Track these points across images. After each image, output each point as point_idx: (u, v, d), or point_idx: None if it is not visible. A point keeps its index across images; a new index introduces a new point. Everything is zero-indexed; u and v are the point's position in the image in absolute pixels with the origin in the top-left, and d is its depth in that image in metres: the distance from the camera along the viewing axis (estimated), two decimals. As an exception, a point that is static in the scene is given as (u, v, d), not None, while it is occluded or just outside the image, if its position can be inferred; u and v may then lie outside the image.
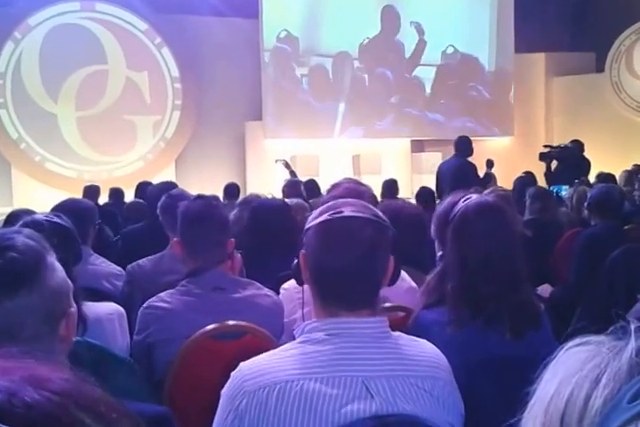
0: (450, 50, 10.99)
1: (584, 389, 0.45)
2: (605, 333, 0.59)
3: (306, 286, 1.32)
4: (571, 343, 0.55)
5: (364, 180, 9.75)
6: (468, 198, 1.73)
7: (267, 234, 2.80)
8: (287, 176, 8.01)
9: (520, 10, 11.14)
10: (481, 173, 6.94)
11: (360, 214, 1.24)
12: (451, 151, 10.65)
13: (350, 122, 10.42)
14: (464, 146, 6.50)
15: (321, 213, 1.27)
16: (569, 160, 6.96)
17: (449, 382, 1.27)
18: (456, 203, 1.73)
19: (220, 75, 9.86)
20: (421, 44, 10.82)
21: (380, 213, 1.30)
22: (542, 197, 4.27)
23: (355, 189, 2.32)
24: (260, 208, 2.99)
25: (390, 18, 10.67)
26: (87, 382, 0.52)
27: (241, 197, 6.74)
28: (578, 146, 7.26)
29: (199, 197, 2.25)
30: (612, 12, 10.81)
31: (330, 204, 1.30)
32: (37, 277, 1.02)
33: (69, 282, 1.09)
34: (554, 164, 7.20)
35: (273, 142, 10.16)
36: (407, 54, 10.79)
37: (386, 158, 10.41)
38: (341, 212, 1.24)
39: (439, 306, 1.68)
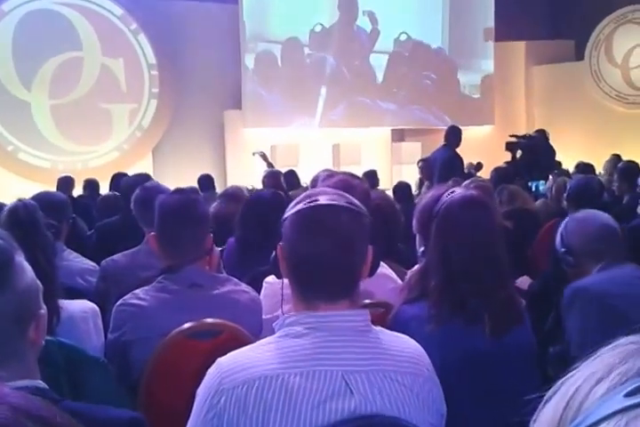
0: (403, 37, 10.92)
1: (595, 377, 0.46)
2: None
3: (286, 281, 1.30)
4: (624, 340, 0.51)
5: (344, 170, 9.74)
6: (451, 192, 1.70)
7: (262, 226, 2.74)
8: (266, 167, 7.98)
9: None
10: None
11: (335, 202, 1.22)
12: (431, 141, 10.76)
13: (301, 112, 10.28)
14: (454, 137, 6.37)
15: (297, 203, 1.25)
16: (535, 149, 6.96)
17: (429, 379, 1.25)
18: (439, 197, 1.71)
19: (198, 62, 9.72)
20: (374, 34, 10.72)
21: (357, 202, 1.27)
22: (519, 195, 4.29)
23: (348, 182, 2.28)
24: (255, 200, 2.94)
25: (348, 5, 10.58)
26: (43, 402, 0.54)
27: (219, 188, 6.72)
28: (542, 135, 7.28)
29: (177, 190, 2.19)
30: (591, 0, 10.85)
31: (306, 193, 1.29)
32: (6, 278, 0.99)
33: (38, 283, 1.05)
34: (519, 154, 7.17)
35: (252, 132, 10.06)
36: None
37: (366, 148, 10.38)
38: (316, 200, 1.23)
39: (420, 301, 1.66)
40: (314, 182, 2.48)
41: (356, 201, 1.27)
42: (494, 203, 1.85)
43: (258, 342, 1.25)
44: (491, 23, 11.47)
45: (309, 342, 1.18)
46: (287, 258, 1.24)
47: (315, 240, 1.20)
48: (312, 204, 1.22)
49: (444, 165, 6.10)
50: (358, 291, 1.26)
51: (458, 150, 6.34)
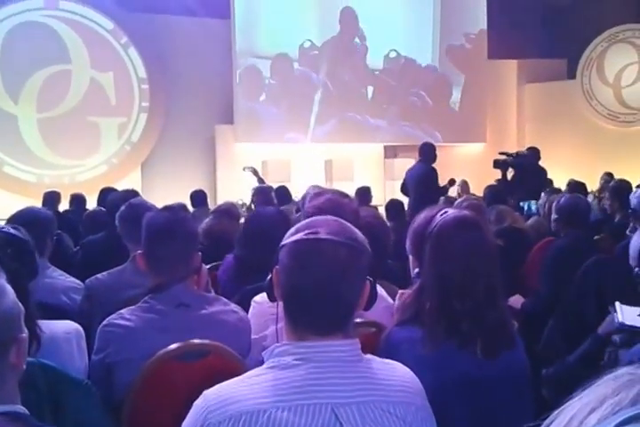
0: (392, 54, 10.96)
1: (588, 407, 0.48)
2: None
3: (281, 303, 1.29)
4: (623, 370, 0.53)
5: (337, 186, 9.70)
6: (444, 213, 1.68)
7: (264, 244, 2.67)
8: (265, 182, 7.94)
9: (493, 17, 11.22)
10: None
11: (335, 238, 1.21)
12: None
13: (293, 127, 10.28)
14: (428, 152, 6.60)
15: (297, 231, 1.25)
16: (525, 169, 6.79)
17: (422, 407, 1.23)
18: (432, 218, 1.69)
19: (189, 76, 9.70)
20: (362, 50, 10.77)
21: (359, 236, 1.26)
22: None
23: (337, 202, 2.26)
24: (256, 217, 2.91)
25: (348, 20, 10.64)
26: None
27: (210, 203, 6.67)
28: (534, 154, 7.07)
29: (165, 208, 2.16)
30: (583, 19, 10.93)
31: (308, 221, 1.28)
32: None
33: (20, 305, 1.04)
34: (510, 172, 7.01)
35: (244, 147, 10.02)
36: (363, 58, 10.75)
37: (358, 164, 10.36)
38: (317, 232, 1.22)
39: (412, 323, 1.64)
40: (303, 200, 2.44)
41: (357, 235, 1.26)
42: (486, 222, 1.82)
43: (245, 374, 1.22)
44: (483, 41, 11.55)
45: (298, 374, 1.16)
46: (281, 285, 1.24)
47: (308, 273, 1.20)
48: (311, 236, 1.22)
49: (421, 180, 6.29)
50: (352, 324, 1.24)
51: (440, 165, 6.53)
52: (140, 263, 2.04)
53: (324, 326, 1.20)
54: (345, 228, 1.26)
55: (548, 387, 2.34)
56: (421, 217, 1.73)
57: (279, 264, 1.25)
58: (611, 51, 11.15)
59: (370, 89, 10.82)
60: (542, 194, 7.11)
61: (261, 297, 2.11)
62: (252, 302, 2.11)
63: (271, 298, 1.32)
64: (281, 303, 1.26)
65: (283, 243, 1.25)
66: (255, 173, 7.39)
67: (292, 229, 1.27)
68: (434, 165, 6.60)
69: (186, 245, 2.00)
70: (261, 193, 5.98)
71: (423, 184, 6.20)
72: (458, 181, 9.16)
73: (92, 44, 9.31)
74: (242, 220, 3.28)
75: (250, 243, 2.76)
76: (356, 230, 1.27)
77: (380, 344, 1.64)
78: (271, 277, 1.28)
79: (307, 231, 1.23)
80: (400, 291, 1.88)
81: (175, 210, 2.15)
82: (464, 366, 1.58)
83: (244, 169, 7.63)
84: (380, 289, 2.18)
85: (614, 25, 11.09)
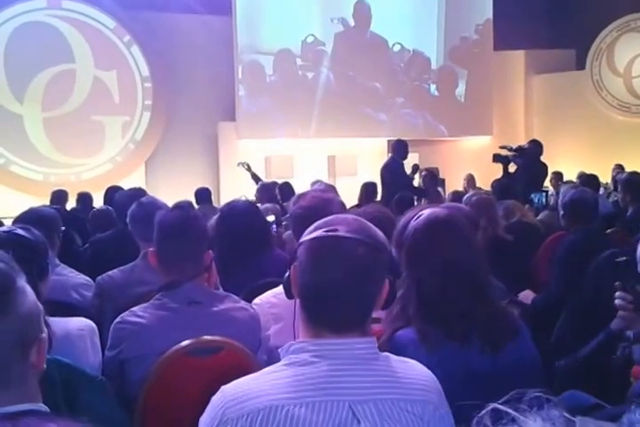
0: (397, 47, 10.88)
1: None
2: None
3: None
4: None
5: (340, 182, 9.66)
6: (418, 217, 1.66)
7: (236, 238, 2.77)
8: (266, 177, 7.88)
9: (499, 7, 11.11)
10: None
11: (354, 235, 1.21)
12: (428, 152, 10.71)
13: (295, 123, 10.20)
14: (399, 148, 7.08)
15: (316, 229, 1.25)
16: (527, 164, 6.54)
17: (440, 405, 1.23)
18: (409, 223, 1.67)
19: (191, 74, 9.67)
20: (382, 43, 10.68)
21: (378, 234, 1.26)
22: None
23: (321, 198, 2.30)
24: (227, 212, 2.94)
25: (362, 13, 10.57)
26: None
27: (213, 200, 6.65)
28: (535, 147, 6.66)
29: (176, 206, 2.18)
30: (592, 8, 10.79)
31: (327, 219, 1.28)
32: (8, 302, 0.99)
33: (40, 305, 1.05)
34: (513, 166, 6.77)
35: (247, 143, 9.99)
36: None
37: (362, 159, 10.32)
38: (336, 230, 1.22)
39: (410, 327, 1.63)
40: (297, 200, 2.45)
41: (377, 233, 1.25)
42: (464, 219, 1.75)
43: (263, 371, 1.22)
44: (489, 32, 11.45)
45: (315, 371, 1.16)
46: (299, 283, 1.24)
47: (326, 271, 1.19)
48: (331, 233, 1.21)
49: (392, 172, 6.84)
50: (369, 323, 1.24)
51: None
52: (152, 261, 2.06)
53: (341, 324, 1.20)
54: (364, 226, 1.25)
55: (563, 380, 2.31)
56: (400, 223, 1.72)
57: (297, 261, 1.24)
58: (621, 40, 10.98)
59: (375, 83, 10.75)
60: (549, 185, 7.02)
61: (260, 299, 2.16)
62: (253, 304, 2.13)
63: (289, 295, 1.31)
64: (298, 301, 1.26)
65: (301, 240, 1.25)
66: (249, 168, 7.29)
67: (311, 227, 1.27)
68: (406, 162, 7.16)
69: (197, 244, 2.02)
70: (265, 189, 5.93)
71: (393, 177, 6.70)
72: (464, 175, 9.12)
73: (95, 42, 9.30)
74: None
75: (228, 241, 2.78)
76: (377, 229, 1.26)
77: (384, 348, 1.61)
78: (289, 275, 1.28)
79: (326, 229, 1.22)
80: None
81: (186, 209, 2.16)
82: (471, 363, 1.56)
83: (238, 164, 7.52)
84: None
85: (624, 14, 10.93)
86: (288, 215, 2.74)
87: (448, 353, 1.55)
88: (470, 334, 1.58)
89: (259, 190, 5.96)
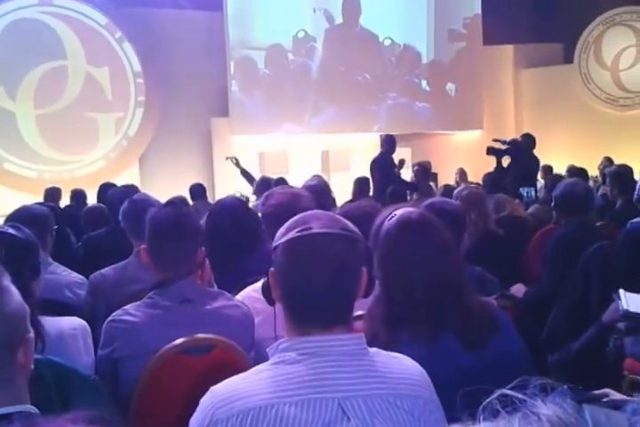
0: (387, 42, 10.90)
1: None
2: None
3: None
4: None
5: (334, 177, 9.66)
6: (391, 218, 1.64)
7: (223, 235, 2.74)
8: (260, 173, 7.86)
9: (488, 2, 11.13)
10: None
11: (329, 230, 1.20)
12: (420, 146, 10.75)
13: (289, 118, 10.22)
14: (388, 144, 7.27)
15: (288, 230, 1.22)
16: (518, 156, 6.68)
17: (430, 400, 1.22)
18: (382, 223, 1.66)
19: (184, 69, 9.65)
20: (372, 38, 10.69)
21: (350, 225, 1.24)
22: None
23: (290, 194, 2.28)
24: (214, 210, 2.91)
25: (351, 7, 10.57)
26: None
27: (208, 196, 6.65)
28: (528, 140, 6.80)
29: (169, 203, 2.16)
30: (579, 2, 10.85)
31: (298, 218, 1.26)
32: None
33: (26, 306, 1.04)
34: (506, 159, 6.89)
35: (240, 139, 9.99)
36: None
37: (355, 154, 10.34)
38: (310, 228, 1.20)
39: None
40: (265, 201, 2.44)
41: (349, 225, 1.24)
42: (435, 218, 1.72)
43: (251, 370, 1.21)
44: (478, 26, 11.47)
45: (304, 368, 1.16)
46: (281, 287, 1.22)
47: (309, 271, 1.18)
48: (305, 232, 1.19)
49: (382, 167, 7.03)
50: (352, 314, 1.24)
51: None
52: (144, 257, 2.05)
53: (327, 321, 1.20)
54: (334, 218, 1.25)
55: (556, 374, 2.34)
56: (376, 222, 1.69)
57: (275, 266, 1.22)
58: (608, 34, 11.07)
59: (366, 78, 10.76)
60: (540, 178, 7.08)
61: (241, 295, 2.14)
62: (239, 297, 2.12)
63: (269, 301, 1.31)
64: (278, 305, 1.25)
65: (276, 243, 1.22)
66: (237, 163, 7.25)
67: (282, 229, 1.24)
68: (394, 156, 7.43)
69: (190, 242, 2.00)
70: (264, 184, 5.90)
71: (383, 172, 6.93)
72: (455, 169, 9.18)
73: (86, 39, 9.26)
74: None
75: (216, 240, 2.72)
76: (345, 220, 1.25)
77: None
78: (267, 281, 1.26)
79: (299, 228, 1.20)
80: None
81: (179, 206, 2.14)
82: (455, 361, 1.55)
83: (226, 159, 7.46)
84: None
85: (611, 8, 11.01)
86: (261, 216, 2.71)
87: (414, 356, 1.51)
88: (439, 336, 1.56)
89: (258, 185, 5.91)
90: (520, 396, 0.55)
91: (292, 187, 2.44)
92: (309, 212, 1.29)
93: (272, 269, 1.23)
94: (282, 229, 1.24)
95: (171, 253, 1.97)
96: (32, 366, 1.05)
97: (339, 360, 1.17)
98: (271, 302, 1.29)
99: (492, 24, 10.96)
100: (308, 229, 1.20)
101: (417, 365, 1.26)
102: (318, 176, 5.59)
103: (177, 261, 1.97)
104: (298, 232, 1.20)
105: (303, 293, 1.19)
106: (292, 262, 1.20)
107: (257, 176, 6.80)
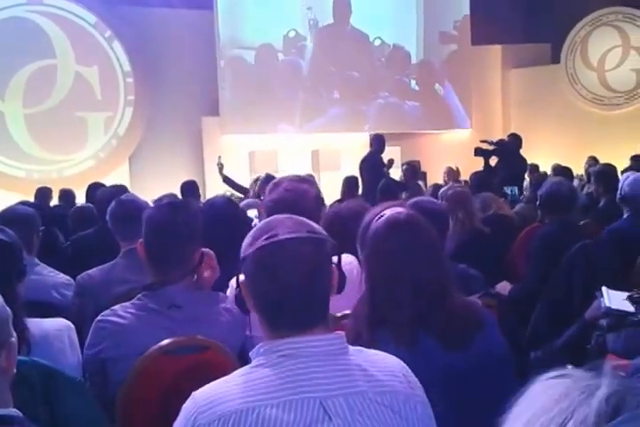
0: (377, 42, 10.94)
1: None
2: (584, 368, 0.60)
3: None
4: (546, 376, 0.54)
5: (324, 176, 9.65)
6: (379, 218, 1.64)
7: (212, 233, 2.65)
8: (250, 172, 7.84)
9: (476, 2, 11.19)
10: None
11: (296, 235, 1.20)
12: (410, 145, 10.79)
13: (279, 118, 10.23)
14: (377, 144, 7.30)
15: (255, 239, 1.21)
16: (506, 156, 6.79)
17: (412, 395, 1.21)
18: (370, 223, 1.66)
19: (174, 69, 9.64)
20: (362, 37, 10.71)
21: (316, 226, 1.25)
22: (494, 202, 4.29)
23: (294, 192, 2.21)
24: (203, 208, 2.87)
25: (341, 7, 10.60)
26: None
27: (201, 194, 6.63)
28: (515, 141, 6.94)
29: (167, 203, 2.08)
30: (566, 3, 10.92)
31: (262, 226, 1.25)
32: None
33: (8, 309, 1.03)
34: (493, 159, 7.00)
35: (231, 138, 10.00)
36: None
37: (345, 154, 10.37)
38: (276, 234, 1.19)
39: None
40: (271, 191, 2.36)
41: (315, 226, 1.25)
42: (423, 219, 1.72)
43: (232, 374, 1.21)
44: (467, 26, 11.53)
45: (283, 370, 1.16)
46: (253, 295, 1.22)
47: (281, 276, 1.18)
48: (273, 239, 1.19)
49: (371, 167, 7.07)
50: (329, 314, 1.25)
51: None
52: (141, 253, 2.01)
53: (305, 323, 1.20)
54: (299, 221, 1.25)
55: (539, 371, 2.37)
56: (363, 222, 1.69)
57: (246, 275, 1.22)
58: (594, 34, 11.16)
59: (356, 77, 10.80)
60: (526, 177, 7.15)
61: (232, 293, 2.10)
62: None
63: (243, 311, 1.31)
64: (253, 315, 1.25)
65: (244, 254, 1.22)
66: (220, 170, 7.10)
67: (248, 239, 1.24)
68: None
69: (186, 243, 1.95)
70: (269, 182, 5.78)
71: (373, 171, 6.95)
72: (444, 168, 9.22)
73: (76, 38, 9.24)
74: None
75: (208, 239, 2.70)
76: (310, 221, 1.26)
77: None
78: (239, 292, 1.26)
79: (265, 236, 1.20)
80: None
81: (176, 205, 2.06)
82: (437, 362, 1.55)
83: (218, 160, 7.41)
84: (351, 258, 2.10)
85: (597, 8, 11.09)
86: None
87: (413, 353, 1.51)
88: (421, 336, 1.56)
89: (262, 183, 5.81)
90: None
91: (302, 180, 2.34)
92: (273, 217, 1.28)
93: (242, 279, 1.23)
94: (247, 239, 1.24)
95: (166, 255, 1.94)
96: (14, 370, 1.04)
97: (319, 360, 1.17)
98: (245, 311, 1.29)
99: (480, 24, 11.03)
100: (274, 236, 1.19)
101: (400, 362, 1.27)
102: (310, 176, 5.58)
103: (169, 266, 1.93)
104: (265, 240, 1.19)
105: (279, 299, 1.19)
106: (263, 271, 1.19)
107: (246, 176, 6.76)
